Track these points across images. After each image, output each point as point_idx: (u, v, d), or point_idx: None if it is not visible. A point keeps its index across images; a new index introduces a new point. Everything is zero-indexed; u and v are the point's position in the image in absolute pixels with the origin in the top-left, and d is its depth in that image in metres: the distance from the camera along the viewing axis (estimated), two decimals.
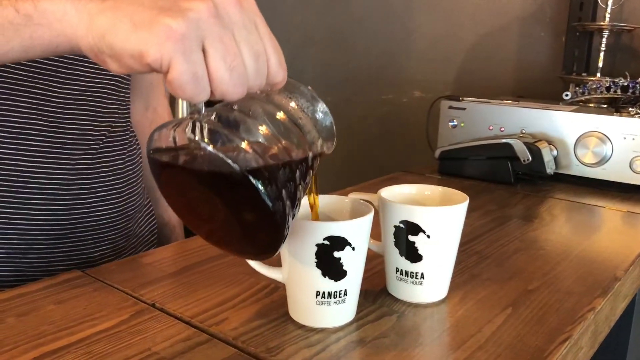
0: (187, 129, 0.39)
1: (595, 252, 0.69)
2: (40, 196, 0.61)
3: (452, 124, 1.15)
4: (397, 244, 0.52)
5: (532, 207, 0.88)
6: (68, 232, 0.64)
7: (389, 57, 1.72)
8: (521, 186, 1.00)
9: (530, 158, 0.97)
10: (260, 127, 0.41)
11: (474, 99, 1.14)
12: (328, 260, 0.46)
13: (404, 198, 0.56)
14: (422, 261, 0.52)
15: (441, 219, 0.51)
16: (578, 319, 0.51)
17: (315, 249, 0.46)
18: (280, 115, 0.43)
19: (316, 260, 0.46)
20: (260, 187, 0.38)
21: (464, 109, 1.13)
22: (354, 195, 0.55)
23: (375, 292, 0.56)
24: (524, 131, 1.06)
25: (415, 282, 0.53)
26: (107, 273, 0.59)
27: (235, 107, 0.41)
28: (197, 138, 0.39)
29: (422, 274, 0.52)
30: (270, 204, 0.38)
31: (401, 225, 0.51)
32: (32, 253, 0.62)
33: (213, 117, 0.41)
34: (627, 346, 0.83)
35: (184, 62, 0.34)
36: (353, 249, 0.47)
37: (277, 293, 0.55)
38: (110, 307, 0.52)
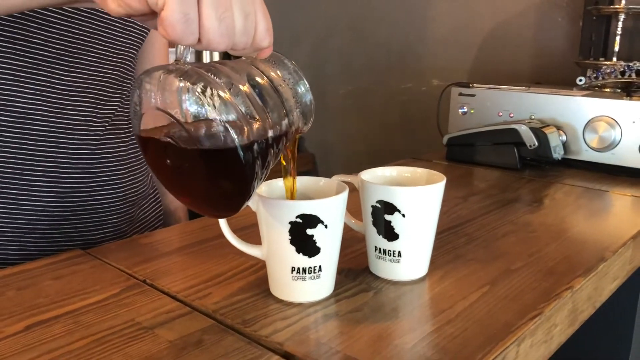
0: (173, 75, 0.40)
1: (588, 234, 0.70)
2: (44, 179, 0.65)
3: (462, 110, 1.15)
4: (375, 224, 0.54)
5: (535, 192, 0.88)
6: (71, 214, 0.68)
7: (408, 46, 1.72)
8: (529, 172, 1.00)
9: (536, 143, 0.96)
10: (241, 86, 0.42)
11: (483, 85, 1.14)
12: (301, 237, 0.48)
13: (384, 180, 0.58)
14: (398, 240, 0.53)
15: (415, 198, 0.52)
16: (553, 297, 0.52)
17: (289, 226, 0.48)
18: (261, 79, 0.45)
19: (290, 237, 0.48)
20: (235, 136, 0.40)
21: (473, 95, 1.13)
22: (337, 177, 0.57)
23: (358, 271, 0.57)
24: (533, 117, 1.05)
25: (393, 260, 0.54)
26: (106, 252, 0.63)
27: (222, 67, 0.43)
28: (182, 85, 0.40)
29: (399, 252, 0.54)
30: (242, 153, 0.40)
31: (378, 204, 0.53)
32: (36, 233, 0.66)
33: (200, 66, 0.42)
34: (633, 328, 0.83)
35: (178, 2, 0.36)
36: (326, 226, 0.48)
37: (262, 271, 0.57)
38: (104, 283, 0.55)
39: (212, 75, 0.41)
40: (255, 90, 0.43)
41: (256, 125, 0.41)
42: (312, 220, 0.48)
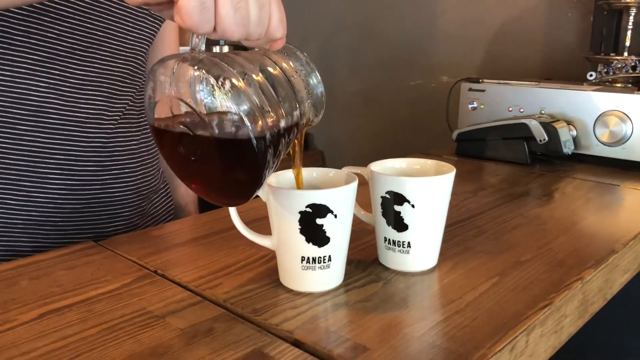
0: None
1: (598, 227, 0.69)
2: (57, 172, 0.66)
3: (471, 106, 1.15)
4: (384, 214, 0.54)
5: (545, 186, 0.88)
6: (83, 207, 0.68)
7: (417, 42, 1.72)
8: (539, 167, 0.99)
9: (546, 138, 0.96)
10: (254, 76, 0.42)
11: (493, 80, 1.13)
12: (311, 227, 0.49)
13: (393, 171, 0.58)
14: (408, 230, 0.53)
15: (425, 189, 0.52)
16: (563, 288, 0.52)
17: (299, 216, 0.48)
18: (273, 70, 0.45)
19: (300, 227, 0.49)
20: (249, 125, 0.40)
21: (483, 90, 1.13)
22: (347, 169, 0.57)
23: (368, 262, 0.57)
24: (543, 112, 1.05)
25: (403, 251, 0.54)
26: (118, 244, 0.63)
27: (236, 57, 0.43)
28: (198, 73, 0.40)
29: (409, 242, 0.54)
30: (255, 143, 0.40)
31: (387, 195, 0.53)
32: (48, 225, 0.66)
33: (214, 56, 0.42)
34: None
35: None
36: (335, 216, 0.49)
37: (273, 262, 0.57)
38: (115, 273, 0.56)
39: (227, 65, 0.41)
40: (268, 80, 0.43)
41: (269, 115, 0.42)
42: (321, 210, 0.48)
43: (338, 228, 0.49)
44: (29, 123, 0.64)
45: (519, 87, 1.08)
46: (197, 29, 0.38)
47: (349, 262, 0.57)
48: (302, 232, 0.49)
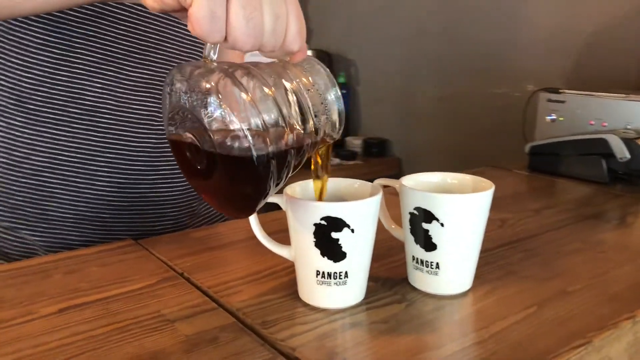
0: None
1: None
2: (107, 169, 0.68)
3: (550, 118, 1.07)
4: (412, 232, 0.51)
5: (619, 209, 0.80)
6: (131, 205, 0.70)
7: (502, 49, 1.64)
8: (620, 187, 0.91)
9: (628, 155, 0.88)
10: (265, 89, 0.41)
11: (575, 91, 1.05)
12: (326, 241, 0.47)
13: (426, 186, 0.54)
14: (436, 250, 0.50)
15: (455, 207, 0.48)
16: (609, 326, 0.46)
17: (314, 228, 0.46)
18: (289, 83, 0.44)
19: (315, 240, 0.47)
20: (251, 144, 0.39)
21: (563, 102, 1.06)
22: (379, 181, 0.54)
23: (396, 281, 0.54)
24: (629, 127, 0.96)
25: (431, 272, 0.51)
26: (155, 243, 0.64)
27: (251, 68, 0.42)
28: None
29: (437, 263, 0.50)
30: (256, 161, 0.39)
31: (415, 212, 0.50)
32: (97, 221, 0.69)
33: (226, 66, 0.41)
34: None
35: None
36: (352, 231, 0.46)
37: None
38: (144, 273, 0.56)
39: (235, 78, 0.40)
40: (278, 94, 0.42)
41: (274, 131, 0.40)
42: (337, 224, 0.46)
43: (355, 243, 0.47)
44: (84, 122, 0.66)
45: (603, 99, 1.00)
46: (207, 38, 0.38)
47: (376, 279, 0.55)
48: (316, 245, 0.47)
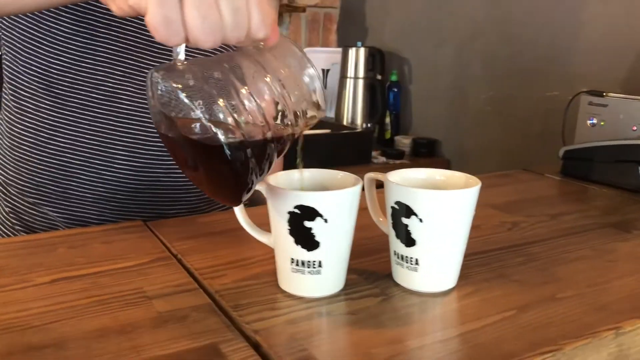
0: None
1: None
2: (124, 153, 0.71)
3: (591, 122, 1.03)
4: (394, 226, 0.51)
5: None
6: (146, 188, 0.73)
7: (556, 50, 1.58)
8: None
9: None
10: (240, 88, 0.42)
11: (619, 95, 1.00)
12: (299, 229, 0.47)
13: (410, 181, 0.54)
14: (415, 246, 0.49)
15: (432, 202, 0.48)
16: (586, 335, 0.44)
17: (288, 216, 0.47)
18: (261, 70, 0.44)
19: (289, 228, 0.47)
20: (221, 136, 0.40)
21: (605, 105, 1.01)
22: (370, 175, 0.54)
23: (380, 275, 0.54)
24: None
25: (410, 268, 0.50)
26: (162, 226, 0.67)
27: (223, 63, 0.44)
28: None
29: (417, 259, 0.50)
30: (228, 152, 0.41)
31: (396, 206, 0.50)
32: (114, 201, 0.72)
33: (195, 67, 0.43)
34: None
35: (158, 6, 0.38)
36: (326, 221, 0.47)
37: None
38: (140, 251, 0.59)
39: (208, 78, 0.42)
40: (252, 87, 0.43)
41: (250, 125, 0.42)
42: (310, 213, 0.46)
43: (329, 233, 0.47)
44: (104, 107, 0.70)
45: None
46: (167, 42, 0.39)
47: (361, 272, 0.55)
48: (291, 233, 0.47)
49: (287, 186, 0.49)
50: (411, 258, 0.50)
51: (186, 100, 0.41)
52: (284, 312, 0.47)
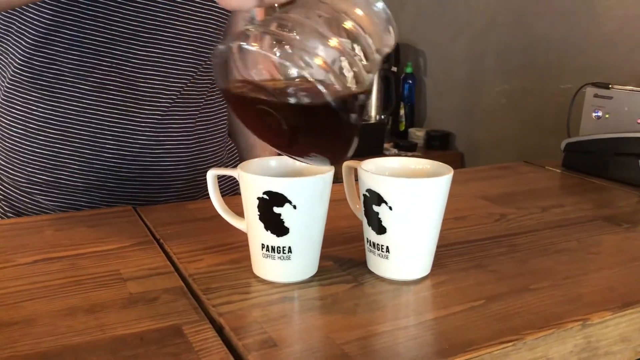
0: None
1: None
2: (113, 142, 0.72)
3: (596, 114, 1.01)
4: (366, 214, 0.51)
5: (638, 213, 0.74)
6: (136, 176, 0.74)
7: (570, 42, 1.55)
8: None
9: None
10: (329, 41, 0.42)
11: (625, 87, 0.98)
12: (268, 215, 0.48)
13: (383, 170, 0.53)
14: (386, 234, 0.49)
15: (400, 190, 0.48)
16: (551, 326, 0.44)
17: (257, 202, 0.48)
18: (340, 20, 0.43)
19: (259, 214, 0.48)
20: (324, 91, 0.40)
21: (610, 98, 0.99)
22: (348, 163, 0.55)
23: (356, 263, 0.54)
24: None
25: (382, 255, 0.50)
26: (150, 211, 0.68)
27: (292, 14, 0.43)
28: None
29: (387, 247, 0.50)
30: (341, 109, 0.41)
31: (367, 194, 0.50)
32: (104, 189, 0.73)
33: (273, 27, 0.42)
34: None
35: None
36: (294, 207, 0.47)
37: None
38: (124, 235, 0.60)
39: (295, 34, 0.41)
40: (338, 32, 0.42)
41: (353, 78, 0.42)
42: (278, 199, 0.47)
43: (299, 219, 0.48)
44: (92, 98, 0.71)
45: None
46: (242, 6, 0.41)
47: (337, 259, 0.55)
48: (260, 218, 0.48)
49: (259, 173, 0.50)
50: (382, 245, 0.50)
51: (287, 63, 0.40)
52: (253, 296, 0.48)
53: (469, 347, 0.41)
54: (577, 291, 0.50)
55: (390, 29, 0.46)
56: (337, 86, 0.41)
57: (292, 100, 0.42)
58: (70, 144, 0.71)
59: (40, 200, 0.74)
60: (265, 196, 0.47)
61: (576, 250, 0.60)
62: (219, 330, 0.43)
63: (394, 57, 2.12)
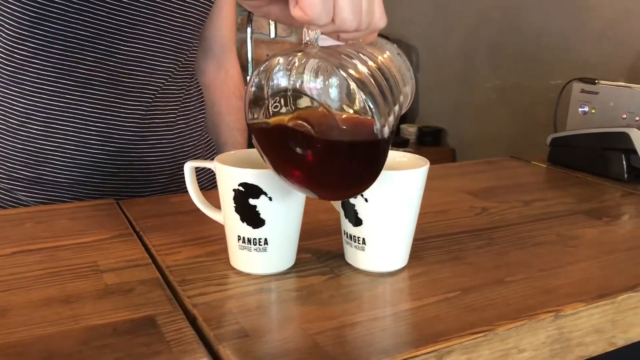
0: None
1: None
2: (97, 138, 0.72)
3: (582, 110, 1.02)
4: (343, 205, 0.51)
5: (621, 207, 0.75)
6: (120, 171, 0.74)
7: (561, 38, 1.56)
8: (639, 185, 0.84)
9: None
10: (376, 73, 0.42)
11: (610, 82, 0.99)
12: (244, 207, 0.48)
13: None
14: (362, 225, 0.50)
15: (378, 183, 0.47)
16: (523, 317, 0.44)
17: (233, 193, 0.48)
18: (379, 64, 0.44)
19: (234, 205, 0.48)
20: (378, 123, 0.40)
21: (596, 93, 0.99)
22: None
23: (334, 255, 0.55)
24: None
25: (358, 247, 0.51)
26: (132, 204, 0.68)
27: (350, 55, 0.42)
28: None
29: (364, 239, 0.50)
30: (382, 142, 0.41)
31: None
32: (89, 184, 0.73)
33: (340, 53, 0.42)
34: None
35: None
36: (270, 199, 0.47)
37: None
38: (104, 228, 0.60)
39: (350, 60, 0.41)
40: (383, 76, 0.43)
41: (391, 112, 0.42)
42: (253, 191, 0.47)
43: (275, 211, 0.48)
44: (77, 93, 0.71)
45: (639, 91, 0.93)
46: (318, 20, 0.38)
47: (316, 251, 0.55)
48: (236, 210, 0.48)
49: (235, 165, 0.50)
50: (359, 237, 0.50)
51: (353, 87, 0.39)
52: (229, 287, 0.48)
53: (440, 338, 0.41)
54: (552, 283, 0.50)
55: (407, 88, 0.48)
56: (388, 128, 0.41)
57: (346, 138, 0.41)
58: (53, 140, 0.71)
59: (21, 197, 0.73)
60: (240, 188, 0.47)
61: (554, 244, 0.60)
62: (193, 321, 0.43)
63: None
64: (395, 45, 0.48)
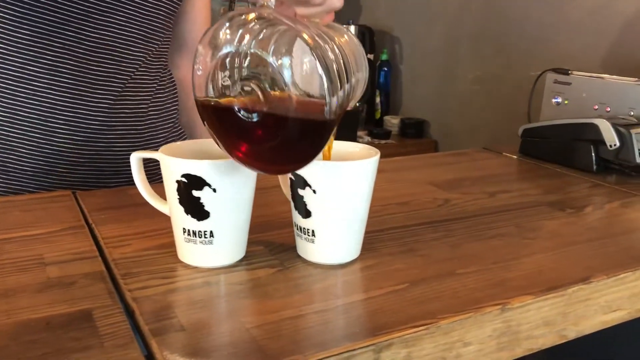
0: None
1: (602, 251, 0.57)
2: (64, 126, 0.71)
3: (555, 100, 1.01)
4: (293, 197, 0.50)
5: (586, 198, 0.74)
6: (87, 161, 0.73)
7: (541, 29, 1.55)
8: (607, 178, 0.84)
9: (617, 143, 0.81)
10: (334, 48, 0.41)
11: (583, 73, 0.98)
12: (187, 198, 0.47)
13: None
14: (311, 217, 0.49)
15: (325, 174, 0.47)
16: (467, 310, 0.44)
17: (176, 185, 0.47)
18: (339, 43, 0.44)
19: (178, 197, 0.47)
20: (328, 99, 0.40)
21: (569, 84, 0.99)
22: None
23: (287, 248, 0.54)
24: (632, 113, 0.88)
25: (308, 239, 0.50)
26: (88, 196, 0.67)
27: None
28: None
29: (313, 231, 0.49)
30: (329, 118, 0.40)
31: (293, 177, 0.49)
32: (54, 174, 0.72)
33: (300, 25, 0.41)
34: None
35: None
36: (214, 190, 0.46)
37: None
38: (56, 220, 0.59)
39: (308, 29, 0.40)
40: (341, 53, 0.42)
41: (343, 92, 0.41)
42: (197, 182, 0.46)
43: (219, 204, 0.47)
44: (44, 80, 0.69)
45: (610, 82, 0.93)
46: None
47: (268, 244, 0.54)
48: (180, 202, 0.47)
49: (180, 156, 0.49)
50: (308, 229, 0.50)
51: (320, 70, 0.39)
52: (173, 281, 0.47)
53: (379, 331, 0.40)
54: (504, 275, 0.50)
55: (362, 74, 0.48)
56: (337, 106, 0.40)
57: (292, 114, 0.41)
58: (19, 127, 0.70)
59: None
60: (183, 179, 0.46)
61: (512, 235, 0.59)
62: (131, 315, 0.42)
63: (369, 44, 2.11)
64: (353, 33, 0.48)
